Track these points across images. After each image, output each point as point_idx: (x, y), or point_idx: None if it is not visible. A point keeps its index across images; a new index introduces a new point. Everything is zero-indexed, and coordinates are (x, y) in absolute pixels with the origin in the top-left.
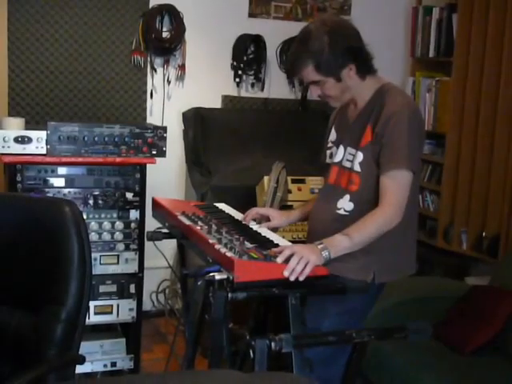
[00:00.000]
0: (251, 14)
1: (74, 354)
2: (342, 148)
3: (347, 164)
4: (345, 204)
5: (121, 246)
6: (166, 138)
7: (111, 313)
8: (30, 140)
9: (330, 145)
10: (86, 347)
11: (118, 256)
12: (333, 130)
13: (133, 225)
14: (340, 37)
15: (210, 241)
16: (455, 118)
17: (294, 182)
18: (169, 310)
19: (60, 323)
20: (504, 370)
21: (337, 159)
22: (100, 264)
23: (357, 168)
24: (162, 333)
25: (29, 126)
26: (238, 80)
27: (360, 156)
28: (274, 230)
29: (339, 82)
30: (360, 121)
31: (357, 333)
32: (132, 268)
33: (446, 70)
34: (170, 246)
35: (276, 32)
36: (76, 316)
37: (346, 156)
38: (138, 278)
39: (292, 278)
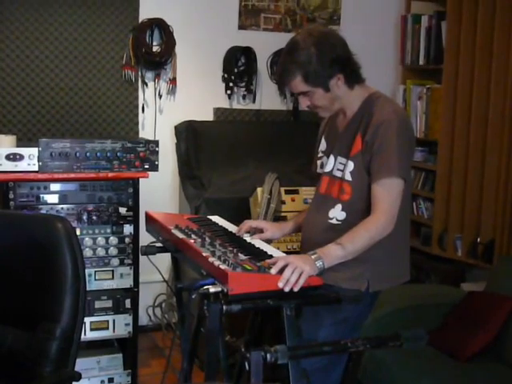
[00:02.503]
0: (241, 26)
1: (70, 370)
2: (332, 157)
3: (338, 173)
4: (337, 213)
5: (115, 261)
6: (158, 151)
7: (107, 328)
8: (21, 157)
9: (320, 155)
10: (82, 363)
11: (112, 271)
12: (323, 140)
13: (127, 239)
14: (327, 47)
15: (204, 254)
16: (447, 125)
17: (287, 192)
18: (166, 324)
19: (55, 340)
20: (501, 375)
21: (327, 169)
22: (95, 280)
23: (348, 177)
24: (160, 347)
25: (20, 143)
26: (229, 92)
27: (351, 165)
28: (268, 241)
29: (328, 92)
30: (349, 130)
31: (352, 342)
32: (127, 283)
33: (437, 78)
34: (164, 259)
35: (266, 43)
36: (71, 332)
37: (336, 165)
38: (133, 292)
39: (286, 289)
